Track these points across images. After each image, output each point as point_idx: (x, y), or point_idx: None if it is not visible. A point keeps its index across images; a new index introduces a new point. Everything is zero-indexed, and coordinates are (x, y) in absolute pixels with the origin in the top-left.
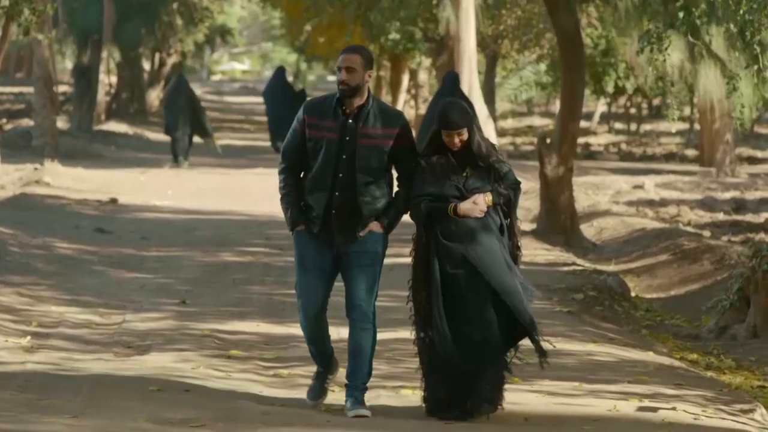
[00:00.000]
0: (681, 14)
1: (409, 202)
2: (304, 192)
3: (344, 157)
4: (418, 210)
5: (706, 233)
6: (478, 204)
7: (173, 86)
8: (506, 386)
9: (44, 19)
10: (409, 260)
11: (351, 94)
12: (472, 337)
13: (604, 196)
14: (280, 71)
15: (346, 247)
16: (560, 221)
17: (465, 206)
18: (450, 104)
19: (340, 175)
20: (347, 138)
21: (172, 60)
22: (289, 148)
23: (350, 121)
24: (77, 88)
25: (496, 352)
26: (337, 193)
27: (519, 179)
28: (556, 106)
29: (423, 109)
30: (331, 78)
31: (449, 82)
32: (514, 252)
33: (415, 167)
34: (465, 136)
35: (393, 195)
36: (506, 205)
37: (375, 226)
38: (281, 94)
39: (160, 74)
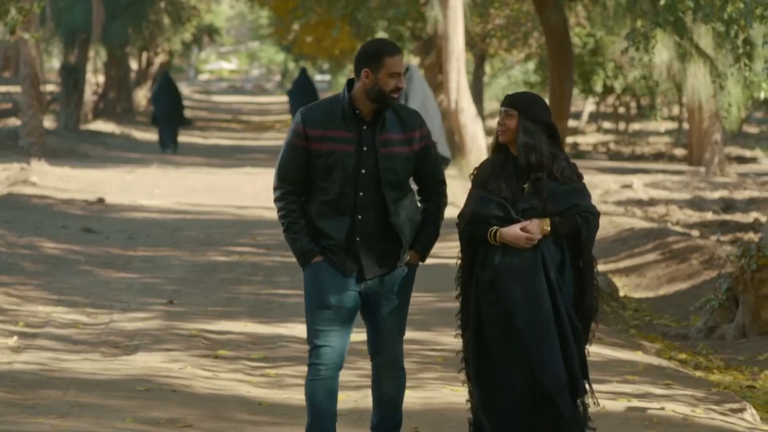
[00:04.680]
0: (667, 13)
1: (439, 220)
2: (314, 218)
3: (363, 171)
4: (461, 232)
5: (695, 233)
6: (529, 231)
7: (160, 83)
8: None
9: (31, 18)
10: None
11: None
12: (503, 402)
13: (593, 195)
14: (303, 72)
15: (375, 283)
16: None
17: (508, 232)
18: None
19: (361, 193)
20: (365, 148)
21: (159, 59)
22: (288, 168)
23: (365, 127)
24: (64, 87)
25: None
26: (359, 216)
27: (596, 209)
28: None
29: None
30: (319, 77)
31: (408, 73)
32: (585, 307)
33: (440, 173)
34: (513, 122)
35: (420, 212)
36: (574, 239)
37: (412, 257)
38: (308, 95)
39: (147, 73)
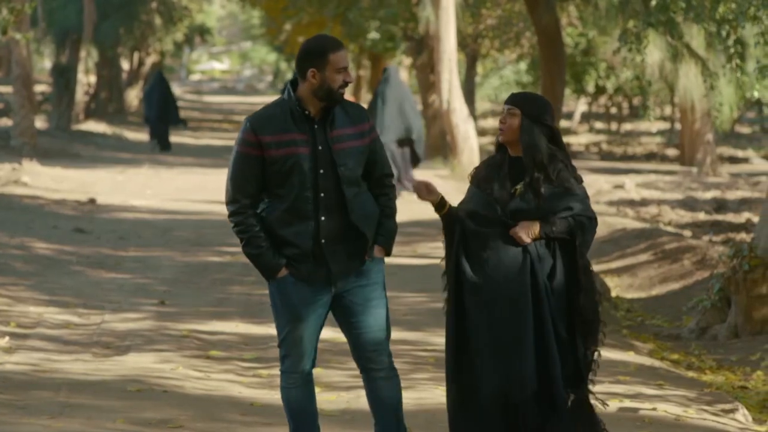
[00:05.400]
0: (659, 13)
1: (395, 211)
2: (274, 227)
3: (321, 171)
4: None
5: (687, 233)
6: (517, 234)
7: (151, 82)
8: None
9: (22, 18)
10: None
11: None
12: (484, 400)
13: None
14: None
15: (346, 282)
16: None
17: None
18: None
19: (322, 194)
20: (320, 148)
21: (150, 59)
22: (242, 180)
23: (316, 127)
24: (56, 87)
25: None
26: (323, 218)
27: (593, 213)
28: None
29: None
30: None
31: (385, 74)
32: (580, 311)
33: (388, 166)
34: (515, 121)
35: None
36: (568, 243)
37: (378, 251)
38: None
39: (139, 74)
